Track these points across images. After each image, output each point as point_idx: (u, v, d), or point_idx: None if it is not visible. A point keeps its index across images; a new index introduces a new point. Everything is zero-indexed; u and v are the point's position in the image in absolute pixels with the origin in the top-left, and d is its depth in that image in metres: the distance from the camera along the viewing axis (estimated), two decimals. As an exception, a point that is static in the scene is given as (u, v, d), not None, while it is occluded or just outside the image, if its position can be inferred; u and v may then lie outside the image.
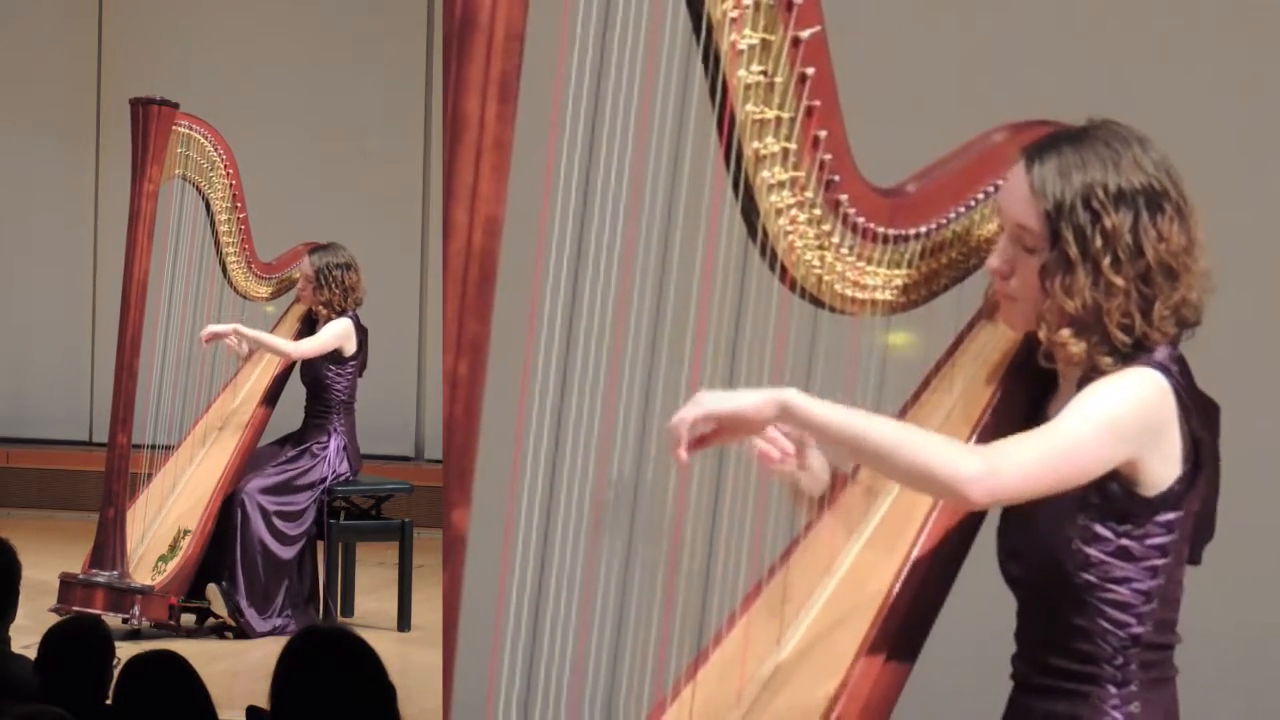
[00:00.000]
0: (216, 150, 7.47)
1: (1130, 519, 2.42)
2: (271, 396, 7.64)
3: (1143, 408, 2.39)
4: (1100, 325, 2.41)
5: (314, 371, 7.52)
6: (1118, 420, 2.37)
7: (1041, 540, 2.45)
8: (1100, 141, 2.45)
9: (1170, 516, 2.43)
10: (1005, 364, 2.71)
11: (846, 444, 2.44)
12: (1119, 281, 2.40)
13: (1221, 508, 2.52)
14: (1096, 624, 2.44)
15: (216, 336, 7.53)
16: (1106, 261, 2.40)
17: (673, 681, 2.69)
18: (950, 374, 2.79)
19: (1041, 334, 2.48)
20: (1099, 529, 2.42)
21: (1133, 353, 2.42)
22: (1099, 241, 2.40)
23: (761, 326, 2.72)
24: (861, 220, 2.66)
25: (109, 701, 3.69)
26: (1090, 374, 2.44)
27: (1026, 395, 2.64)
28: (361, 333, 7.51)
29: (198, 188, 7.49)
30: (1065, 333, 2.43)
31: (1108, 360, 2.42)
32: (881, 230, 2.68)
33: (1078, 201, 2.41)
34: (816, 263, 2.66)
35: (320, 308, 7.47)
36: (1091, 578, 2.43)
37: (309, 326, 7.64)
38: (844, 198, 2.64)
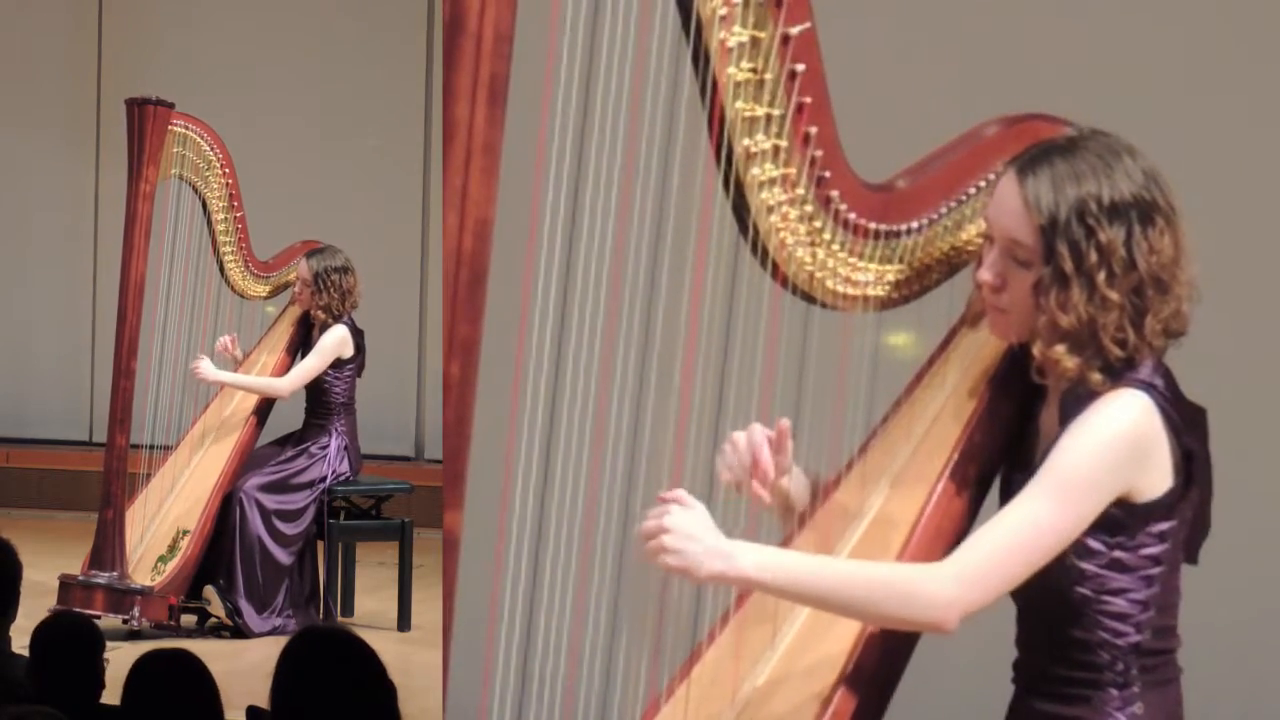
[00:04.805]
0: (213, 149, 7.45)
1: (1122, 531, 2.41)
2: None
3: (1123, 442, 2.37)
4: (1095, 340, 2.40)
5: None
6: (1090, 475, 2.36)
7: None
8: (1091, 153, 2.43)
9: (1163, 526, 2.42)
10: (996, 364, 2.70)
11: (812, 604, 2.47)
12: (1114, 296, 2.39)
13: (1222, 508, 2.51)
14: (1095, 635, 2.44)
15: (205, 379, 7.49)
16: (1101, 276, 2.38)
17: (667, 680, 2.69)
18: (943, 370, 2.79)
19: (1036, 350, 2.46)
20: (1090, 542, 2.40)
21: (1121, 368, 2.41)
22: (1094, 256, 2.39)
23: (753, 323, 2.71)
24: (853, 216, 2.65)
25: (107, 700, 3.69)
26: (1077, 388, 2.43)
27: (1016, 398, 2.64)
28: (358, 335, 7.48)
29: (194, 187, 7.47)
30: (1060, 349, 2.42)
31: (1097, 377, 2.41)
32: (873, 226, 2.68)
33: (1072, 215, 2.39)
34: (808, 259, 2.65)
35: (319, 311, 7.44)
36: (1087, 591, 2.42)
37: (305, 330, 7.62)
38: (835, 194, 2.63)
